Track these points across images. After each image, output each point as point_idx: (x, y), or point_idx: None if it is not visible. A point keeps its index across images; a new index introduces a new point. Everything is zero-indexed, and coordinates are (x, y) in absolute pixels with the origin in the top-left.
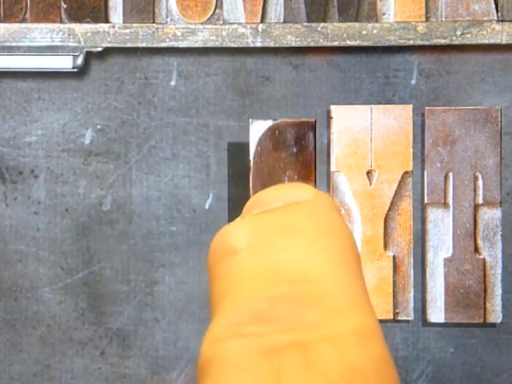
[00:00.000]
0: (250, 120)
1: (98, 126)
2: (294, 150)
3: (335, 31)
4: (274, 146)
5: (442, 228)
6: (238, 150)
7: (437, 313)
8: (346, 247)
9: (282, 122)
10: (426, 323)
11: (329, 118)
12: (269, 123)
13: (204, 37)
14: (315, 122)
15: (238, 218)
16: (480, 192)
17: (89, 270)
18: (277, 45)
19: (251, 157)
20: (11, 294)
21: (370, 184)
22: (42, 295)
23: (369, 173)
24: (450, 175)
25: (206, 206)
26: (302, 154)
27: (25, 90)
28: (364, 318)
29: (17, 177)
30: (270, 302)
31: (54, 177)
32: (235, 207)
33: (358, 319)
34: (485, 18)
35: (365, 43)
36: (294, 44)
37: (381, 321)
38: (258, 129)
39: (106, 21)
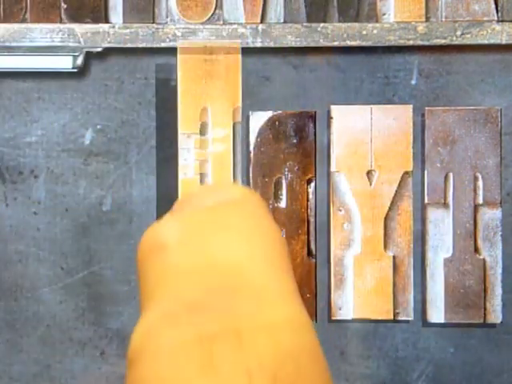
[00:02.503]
0: (250, 111)
1: (98, 126)
2: (294, 140)
3: (335, 31)
4: (273, 137)
5: (442, 228)
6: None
7: (437, 313)
8: (275, 244)
9: (281, 113)
10: (425, 323)
11: (329, 118)
12: (269, 114)
13: (204, 37)
14: (315, 113)
15: (167, 215)
16: (480, 192)
17: (89, 269)
18: (277, 45)
19: (251, 148)
20: (11, 294)
21: (370, 184)
22: (42, 295)
23: (369, 173)
24: (450, 175)
25: None
26: (302, 144)
27: (25, 90)
28: (295, 309)
29: (17, 177)
30: (203, 294)
31: (54, 177)
32: None
33: (289, 310)
34: (485, 18)
35: (365, 43)
36: (293, 44)
37: (381, 321)
38: (257, 120)
39: (106, 21)
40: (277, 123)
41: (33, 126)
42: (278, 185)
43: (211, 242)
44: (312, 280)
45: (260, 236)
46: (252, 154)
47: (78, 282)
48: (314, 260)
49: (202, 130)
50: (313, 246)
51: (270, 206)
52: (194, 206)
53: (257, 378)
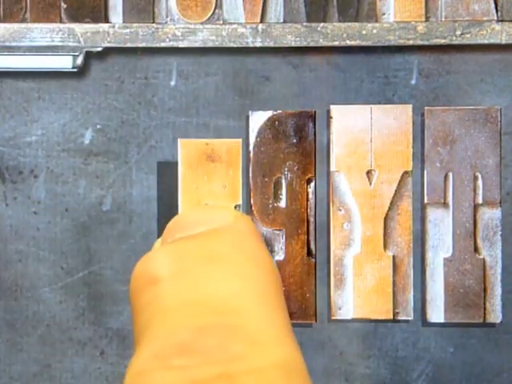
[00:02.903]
0: (250, 111)
1: (98, 126)
2: (294, 140)
3: (335, 31)
4: (273, 137)
5: (441, 228)
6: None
7: (436, 313)
8: (268, 277)
9: (281, 112)
10: (425, 323)
11: (328, 117)
12: (268, 114)
13: (204, 37)
14: (315, 112)
15: (158, 242)
16: (480, 192)
17: (89, 269)
18: (277, 45)
19: (250, 147)
20: (11, 294)
21: (370, 184)
22: (42, 295)
23: (369, 173)
24: (450, 175)
25: None
26: (302, 144)
27: (25, 90)
28: (288, 352)
29: (17, 177)
30: (194, 334)
31: (54, 177)
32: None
33: (282, 353)
34: (485, 18)
35: (364, 43)
36: (293, 44)
37: (380, 321)
38: (257, 120)
39: (106, 21)
40: (276, 123)
41: (33, 126)
42: (277, 184)
43: (202, 276)
44: (312, 280)
45: (252, 269)
46: (251, 154)
47: (78, 282)
48: (313, 260)
49: None
50: (313, 246)
51: (270, 206)
52: (184, 235)
53: None
